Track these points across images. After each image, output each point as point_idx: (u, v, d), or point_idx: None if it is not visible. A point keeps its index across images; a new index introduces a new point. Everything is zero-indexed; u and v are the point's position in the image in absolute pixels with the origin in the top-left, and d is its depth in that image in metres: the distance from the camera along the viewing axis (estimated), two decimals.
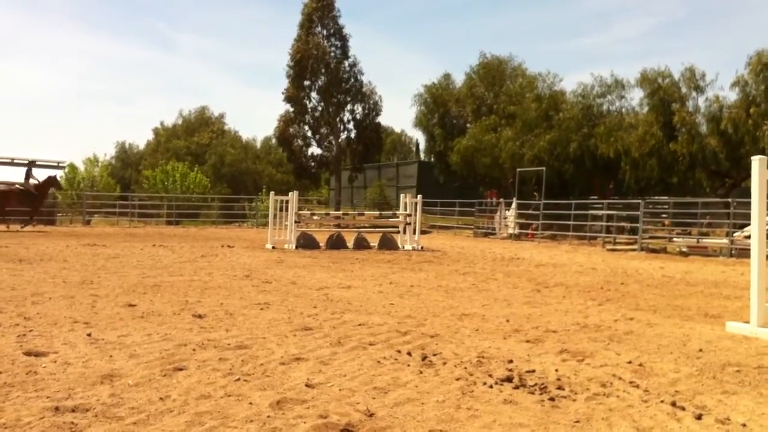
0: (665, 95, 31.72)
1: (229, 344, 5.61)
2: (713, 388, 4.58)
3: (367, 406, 4.02)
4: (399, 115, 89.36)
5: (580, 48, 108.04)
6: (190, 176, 42.62)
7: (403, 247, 18.96)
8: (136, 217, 35.19)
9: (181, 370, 4.75)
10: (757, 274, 6.79)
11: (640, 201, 24.10)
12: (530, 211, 29.38)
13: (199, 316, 6.96)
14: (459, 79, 44.60)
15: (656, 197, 28.51)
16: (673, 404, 4.12)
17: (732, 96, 31.38)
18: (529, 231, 28.87)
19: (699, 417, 3.88)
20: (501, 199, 31.93)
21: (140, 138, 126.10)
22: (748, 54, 30.87)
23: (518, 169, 32.65)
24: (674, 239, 23.54)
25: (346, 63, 48.61)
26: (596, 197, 30.32)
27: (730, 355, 5.70)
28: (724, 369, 5.12)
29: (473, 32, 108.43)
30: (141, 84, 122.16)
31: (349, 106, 49.15)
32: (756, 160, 7.03)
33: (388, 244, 18.98)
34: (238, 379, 4.53)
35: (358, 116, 49.10)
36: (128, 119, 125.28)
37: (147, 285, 9.46)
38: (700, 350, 5.86)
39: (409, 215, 19.59)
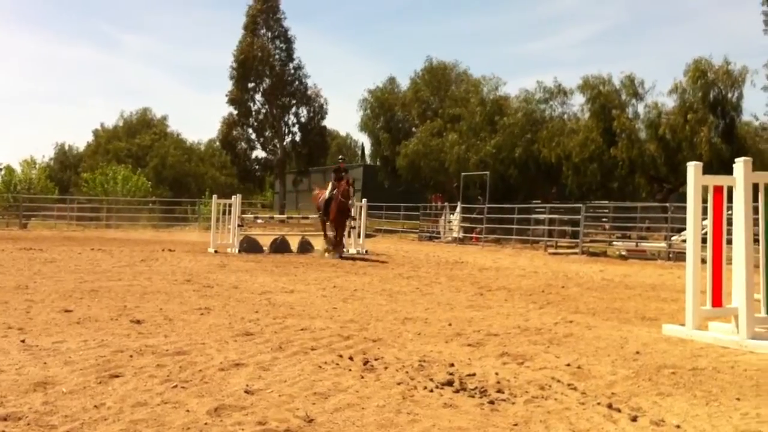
0: (606, 101, 32.33)
1: (167, 350, 5.52)
2: (649, 390, 4.66)
3: (307, 411, 3.99)
4: (345, 119, 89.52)
5: (525, 53, 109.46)
6: (132, 179, 41.89)
7: (348, 251, 18.92)
8: (74, 221, 34.46)
9: (117, 377, 4.65)
10: (692, 277, 6.95)
11: (581, 205, 24.49)
12: (474, 215, 29.61)
13: (138, 322, 6.84)
14: (404, 83, 44.68)
15: (597, 202, 29.00)
16: (610, 406, 4.18)
17: (670, 102, 32.16)
18: (473, 235, 29.09)
19: (634, 419, 3.95)
20: (446, 203, 32.13)
21: (80, 140, 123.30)
22: (687, 62, 31.64)
23: (463, 174, 32.89)
24: (614, 243, 23.98)
25: (291, 65, 48.30)
26: (539, 201, 30.71)
27: (666, 357, 5.82)
28: (660, 371, 5.22)
29: (419, 36, 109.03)
30: (82, 85, 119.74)
31: (294, 109, 48.82)
32: (691, 166, 7.19)
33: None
34: (176, 386, 4.45)
35: (303, 119, 48.83)
36: (68, 120, 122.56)
37: (84, 290, 9.25)
38: (637, 352, 5.96)
39: (354, 219, 19.56)
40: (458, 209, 29.85)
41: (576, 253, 22.70)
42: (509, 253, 22.72)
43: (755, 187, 6.72)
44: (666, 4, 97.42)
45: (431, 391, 4.52)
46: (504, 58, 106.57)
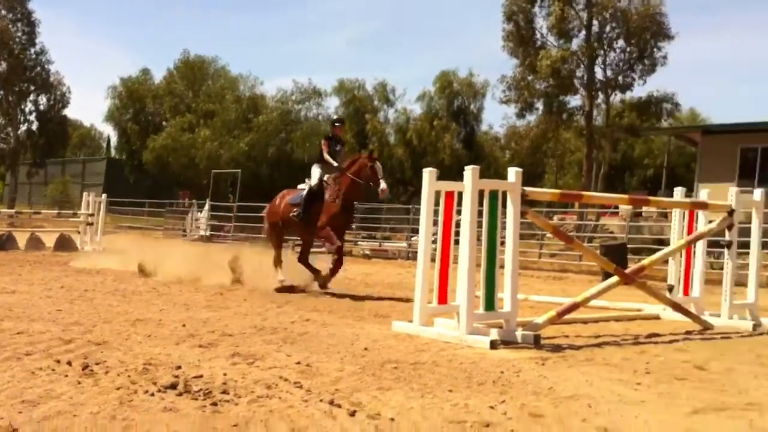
0: (360, 105, 33.51)
1: None
2: (371, 384, 4.81)
3: (11, 421, 3.65)
4: (91, 110, 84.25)
5: (284, 54, 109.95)
6: None
7: (84, 249, 17.85)
8: None
9: None
10: (421, 276, 7.30)
11: None
12: (224, 213, 29.25)
13: None
14: (159, 75, 43.22)
15: None
16: (331, 402, 4.24)
17: (418, 109, 34.11)
18: (222, 233, 28.72)
19: (353, 414, 4.04)
20: (194, 200, 31.43)
21: None
22: (435, 73, 33.79)
23: (213, 171, 32.38)
24: (359, 243, 24.79)
25: (33, 50, 44.76)
26: None
27: (392, 352, 6.05)
28: (384, 366, 5.41)
29: (179, 30, 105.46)
30: None
31: (32, 96, 45.26)
32: (426, 172, 7.57)
33: (65, 245, 17.76)
34: None
35: (42, 107, 45.40)
36: None
37: None
38: (366, 349, 6.15)
39: (92, 215, 18.51)
40: (207, 207, 29.31)
41: (323, 252, 23.11)
42: (258, 252, 22.63)
43: (481, 192, 7.18)
44: (419, 16, 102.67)
45: (152, 395, 4.33)
46: (264, 57, 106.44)
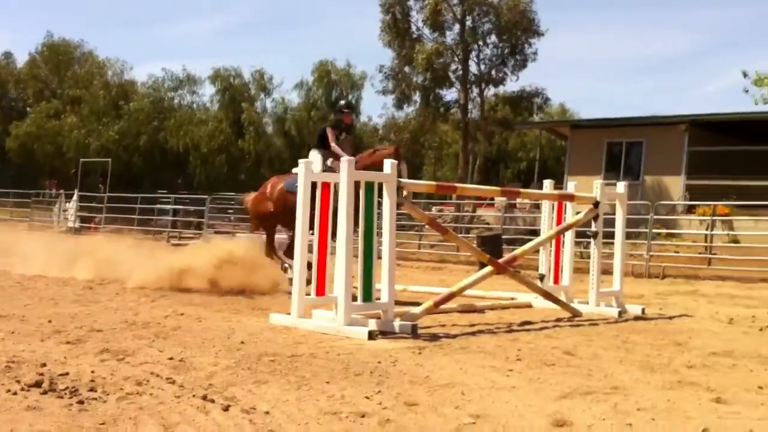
0: (236, 94, 32.96)
1: None
2: (246, 378, 4.75)
3: None
4: None
5: (155, 39, 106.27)
6: None
7: None
8: None
9: None
10: (299, 267, 7.28)
11: (206, 197, 24.57)
12: (94, 204, 28.17)
13: None
14: (22, 58, 41.16)
15: (224, 193, 29.31)
16: (205, 398, 4.16)
17: (297, 99, 33.86)
18: (92, 224, 27.62)
19: (227, 408, 3.97)
20: (61, 190, 30.08)
21: None
22: (313, 62, 33.61)
23: (82, 160, 31.08)
24: (238, 234, 24.43)
25: None
26: (165, 191, 30.19)
27: (269, 345, 6.00)
28: (260, 359, 5.35)
29: (41, 11, 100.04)
30: None
31: None
32: (302, 163, 7.60)
33: None
34: None
35: None
36: None
37: None
38: (242, 342, 6.07)
39: None
40: (75, 197, 28.11)
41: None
42: (129, 244, 21.91)
43: (358, 184, 7.21)
44: (296, 3, 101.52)
45: (15, 394, 4.12)
46: (133, 42, 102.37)
